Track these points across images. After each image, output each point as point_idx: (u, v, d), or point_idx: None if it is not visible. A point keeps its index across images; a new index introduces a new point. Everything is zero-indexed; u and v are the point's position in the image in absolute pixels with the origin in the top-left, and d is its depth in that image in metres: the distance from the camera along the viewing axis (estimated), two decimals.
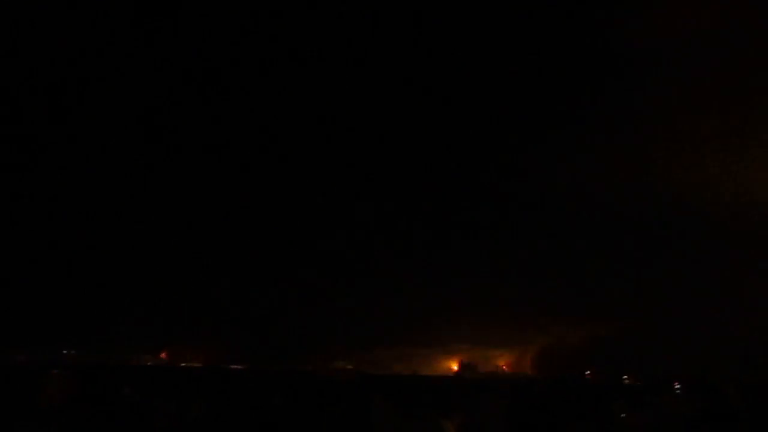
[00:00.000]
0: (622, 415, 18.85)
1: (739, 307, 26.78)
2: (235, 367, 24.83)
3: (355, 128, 34.27)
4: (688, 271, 28.35)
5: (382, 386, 14.07)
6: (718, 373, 19.62)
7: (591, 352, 25.07)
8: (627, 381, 24.92)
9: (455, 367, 34.55)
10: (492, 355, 35.23)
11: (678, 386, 20.34)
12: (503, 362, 36.36)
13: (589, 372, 24.51)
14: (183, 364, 33.34)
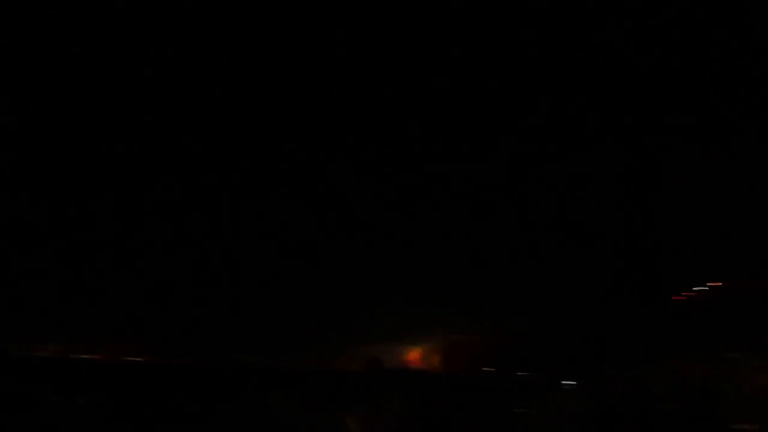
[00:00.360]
0: (519, 411, 19.60)
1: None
2: (134, 359, 24.01)
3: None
4: (594, 267, 29.38)
5: (284, 382, 14.05)
6: (613, 370, 20.58)
7: (498, 348, 25.79)
8: (528, 377, 25.86)
9: (360, 362, 34.62)
10: (398, 350, 35.53)
11: (571, 383, 21.21)
12: (410, 358, 36.81)
13: (491, 368, 25.22)
14: (78, 356, 31.81)
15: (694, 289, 34.30)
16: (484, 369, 25.07)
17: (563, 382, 21.79)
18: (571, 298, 27.11)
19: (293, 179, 25.18)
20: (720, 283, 32.62)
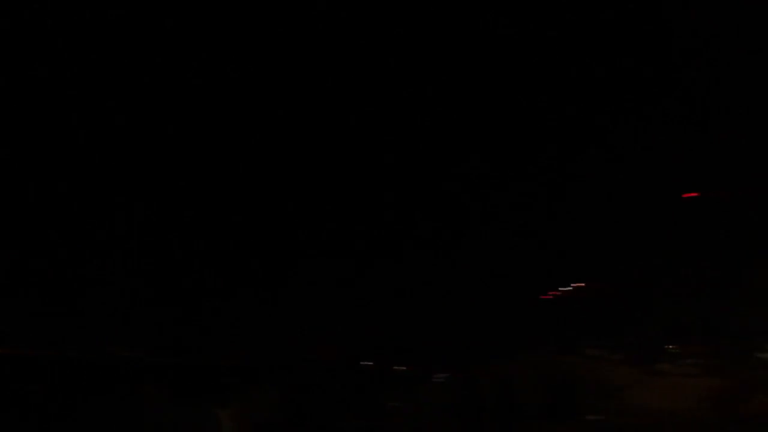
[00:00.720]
0: (391, 404, 20.09)
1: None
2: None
3: None
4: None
5: (155, 375, 13.73)
6: (480, 365, 21.44)
7: (371, 339, 26.21)
8: (401, 369, 26.53)
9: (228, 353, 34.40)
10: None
11: (441, 377, 22.01)
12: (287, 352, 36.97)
13: (367, 360, 25.71)
14: None
15: (560, 289, 35.99)
16: (362, 363, 25.50)
17: (434, 376, 22.56)
18: (444, 297, 27.90)
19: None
20: (583, 284, 34.45)
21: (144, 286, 22.13)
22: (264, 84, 22.79)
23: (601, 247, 29.16)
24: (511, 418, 18.24)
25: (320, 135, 24.54)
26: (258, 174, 24.48)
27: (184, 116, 22.18)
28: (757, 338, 24.38)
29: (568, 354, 23.56)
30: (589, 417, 17.76)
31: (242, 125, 23.27)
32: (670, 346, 26.58)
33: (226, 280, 24.19)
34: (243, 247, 24.76)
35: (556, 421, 17.89)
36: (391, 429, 17.61)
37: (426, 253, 27.94)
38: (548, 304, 32.02)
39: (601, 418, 17.50)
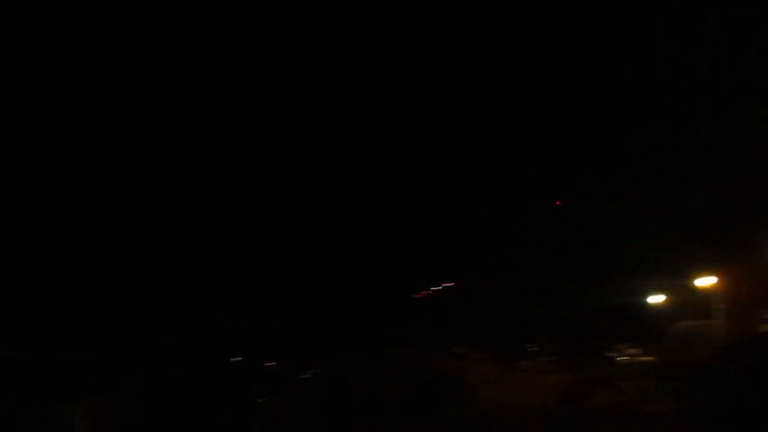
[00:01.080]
0: (260, 400, 20.04)
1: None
2: None
3: None
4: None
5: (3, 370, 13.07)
6: (349, 361, 21.77)
7: (241, 335, 25.96)
8: (271, 367, 26.43)
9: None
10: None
11: (310, 372, 22.17)
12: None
13: (236, 356, 25.47)
14: None
15: (432, 288, 36.96)
16: (232, 359, 25.22)
17: (303, 372, 22.67)
18: (315, 294, 28.05)
19: None
20: (453, 283, 35.58)
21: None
22: None
23: (470, 248, 30.35)
24: (376, 413, 18.67)
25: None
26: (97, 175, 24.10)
27: None
28: (606, 338, 26.24)
29: (435, 351, 24.35)
30: (451, 411, 18.47)
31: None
32: (530, 345, 28.06)
33: (88, 276, 23.41)
34: (102, 242, 24.01)
35: (420, 414, 18.47)
36: (259, 424, 17.57)
37: (295, 251, 28.06)
38: (419, 302, 32.91)
39: (462, 412, 18.24)
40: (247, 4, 24.90)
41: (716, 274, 22.60)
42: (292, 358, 25.57)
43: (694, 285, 24.00)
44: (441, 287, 32.50)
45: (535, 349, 27.69)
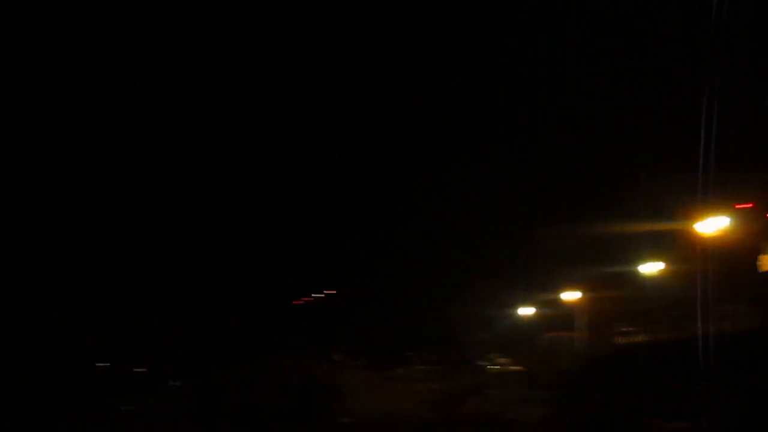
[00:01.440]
0: (125, 408, 19.29)
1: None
2: None
3: None
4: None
5: None
6: (223, 369, 21.38)
7: (109, 340, 24.93)
8: (140, 371, 25.48)
9: None
10: None
11: (179, 380, 21.55)
12: None
13: (103, 362, 24.44)
14: None
15: (313, 295, 36.79)
16: (98, 364, 24.13)
17: (171, 380, 21.98)
18: (191, 299, 27.36)
19: None
20: (335, 291, 35.55)
21: None
22: None
23: (352, 257, 30.57)
24: (251, 422, 18.41)
25: None
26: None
27: None
28: (478, 347, 27.11)
29: (312, 359, 24.33)
30: (327, 419, 18.51)
31: None
32: (406, 354, 28.53)
33: None
34: None
35: (295, 422, 18.39)
36: None
37: (172, 254, 27.34)
38: (299, 309, 32.70)
39: (337, 421, 18.33)
40: None
41: (580, 289, 23.97)
42: (162, 364, 24.71)
43: (560, 299, 25.32)
44: (322, 295, 32.43)
45: (411, 357, 28.17)
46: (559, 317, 24.90)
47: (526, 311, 27.16)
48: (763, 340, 16.25)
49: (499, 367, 25.89)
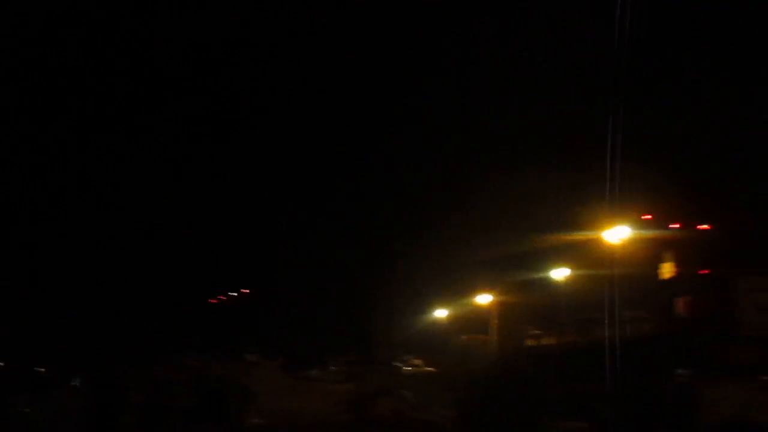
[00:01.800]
0: (24, 410, 18.53)
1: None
2: None
3: None
4: None
5: None
6: (122, 369, 20.75)
7: (7, 339, 23.91)
8: (39, 371, 24.49)
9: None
10: None
11: (79, 380, 20.85)
12: None
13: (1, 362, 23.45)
14: None
15: (229, 293, 36.36)
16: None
17: (72, 380, 21.19)
18: (97, 295, 26.59)
19: None
20: (248, 290, 35.19)
21: None
22: None
23: (268, 257, 30.36)
24: (158, 423, 17.97)
25: None
26: None
27: None
28: (394, 349, 27.43)
29: (225, 359, 24.01)
30: (238, 421, 18.30)
31: None
32: (322, 354, 28.54)
33: None
34: None
35: (204, 423, 18.08)
36: None
37: (80, 249, 26.51)
38: (214, 308, 32.20)
39: (249, 422, 18.15)
40: None
41: (494, 294, 24.61)
42: (63, 363, 23.68)
43: (475, 302, 25.89)
44: (237, 293, 32.06)
45: (326, 358, 28.21)
46: (474, 320, 25.44)
47: (441, 314, 27.63)
48: (659, 344, 17.20)
49: (413, 368, 26.23)
